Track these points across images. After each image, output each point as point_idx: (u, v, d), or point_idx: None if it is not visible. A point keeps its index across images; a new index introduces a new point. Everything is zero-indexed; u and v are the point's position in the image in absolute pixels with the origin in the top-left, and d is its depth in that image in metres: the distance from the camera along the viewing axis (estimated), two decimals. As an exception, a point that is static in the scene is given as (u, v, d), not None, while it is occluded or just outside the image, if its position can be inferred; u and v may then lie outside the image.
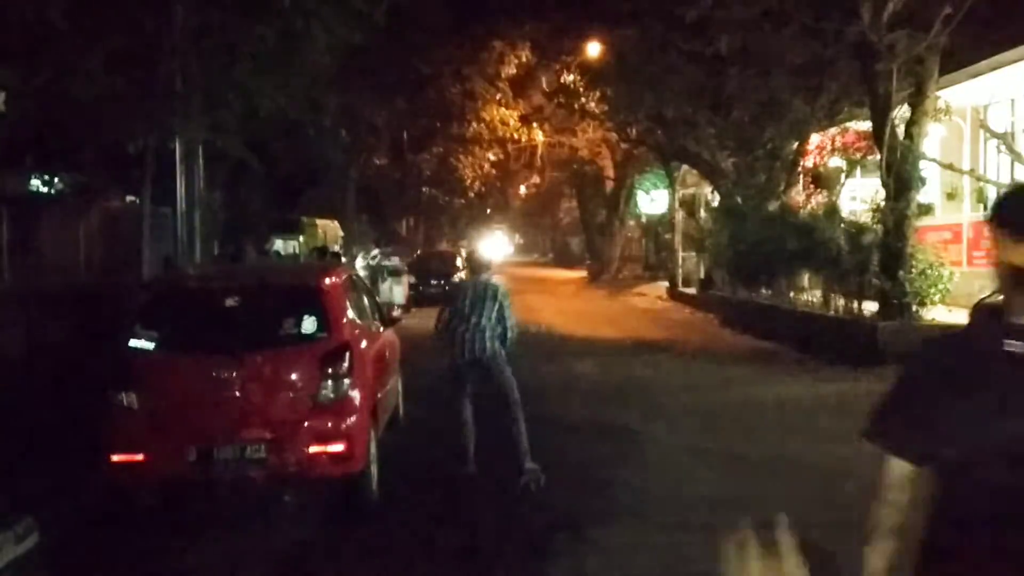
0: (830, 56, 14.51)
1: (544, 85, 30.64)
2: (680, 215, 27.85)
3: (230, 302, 6.77)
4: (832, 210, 15.71)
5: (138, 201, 13.41)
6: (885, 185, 13.29)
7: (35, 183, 13.70)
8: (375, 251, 24.50)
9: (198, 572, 5.69)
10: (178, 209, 13.05)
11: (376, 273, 21.42)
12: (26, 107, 9.90)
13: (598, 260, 36.77)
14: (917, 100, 13.05)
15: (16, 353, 9.73)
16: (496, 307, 7.38)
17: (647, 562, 5.49)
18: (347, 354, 6.50)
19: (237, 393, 6.27)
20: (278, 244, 19.75)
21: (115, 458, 6.27)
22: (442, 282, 26.33)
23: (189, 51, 10.98)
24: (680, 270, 26.71)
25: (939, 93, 13.66)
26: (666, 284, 27.13)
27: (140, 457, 6.23)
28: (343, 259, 17.71)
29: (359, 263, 22.33)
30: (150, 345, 6.50)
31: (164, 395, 6.34)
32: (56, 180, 13.83)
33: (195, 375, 6.40)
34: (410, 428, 9.23)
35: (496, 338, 7.40)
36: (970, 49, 13.44)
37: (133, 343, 6.51)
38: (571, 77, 27.33)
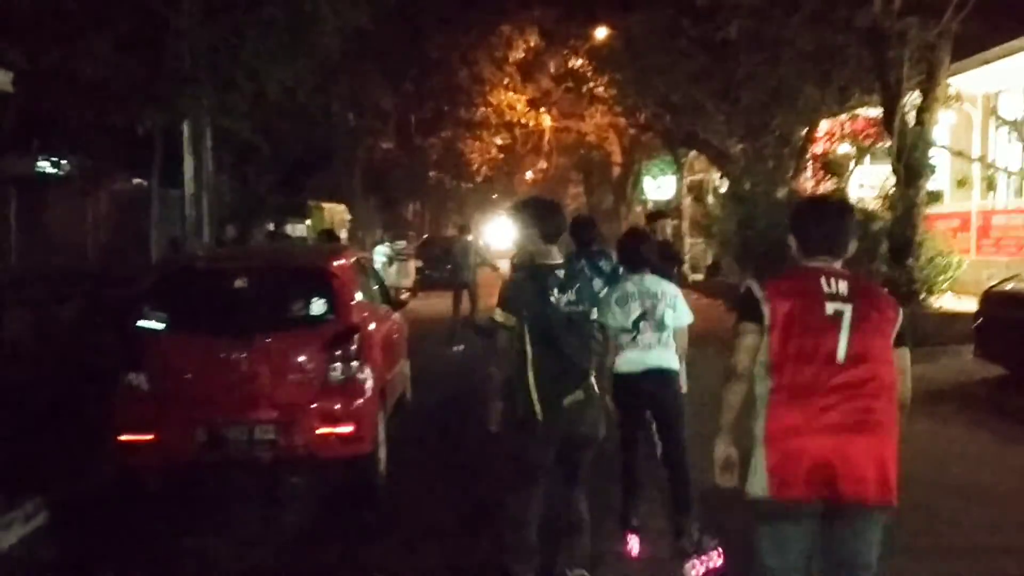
0: (841, 42, 14.43)
1: (552, 70, 30.49)
2: (687, 201, 27.79)
3: (239, 284, 6.76)
4: (841, 197, 15.65)
5: (146, 183, 13.40)
6: (895, 172, 13.25)
7: (43, 165, 13.68)
8: (399, 242, 24.67)
9: (205, 552, 5.71)
10: (186, 191, 13.05)
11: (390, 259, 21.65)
12: (34, 88, 9.89)
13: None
14: (928, 87, 12.99)
15: (25, 334, 9.75)
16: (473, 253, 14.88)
17: (650, 542, 5.50)
18: (356, 336, 6.51)
19: (246, 374, 6.28)
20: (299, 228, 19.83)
21: (124, 438, 6.28)
22: (448, 266, 26.32)
23: (197, 33, 10.95)
24: (687, 256, 26.69)
25: (950, 80, 13.59)
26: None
27: (149, 437, 6.24)
28: (343, 242, 17.72)
29: (380, 250, 22.45)
30: (159, 326, 6.50)
31: (173, 376, 6.35)
32: (64, 162, 13.80)
33: (204, 356, 6.40)
34: (418, 411, 9.25)
35: (472, 270, 14.88)
36: (982, 36, 13.37)
37: (142, 324, 6.52)
38: (579, 62, 27.21)
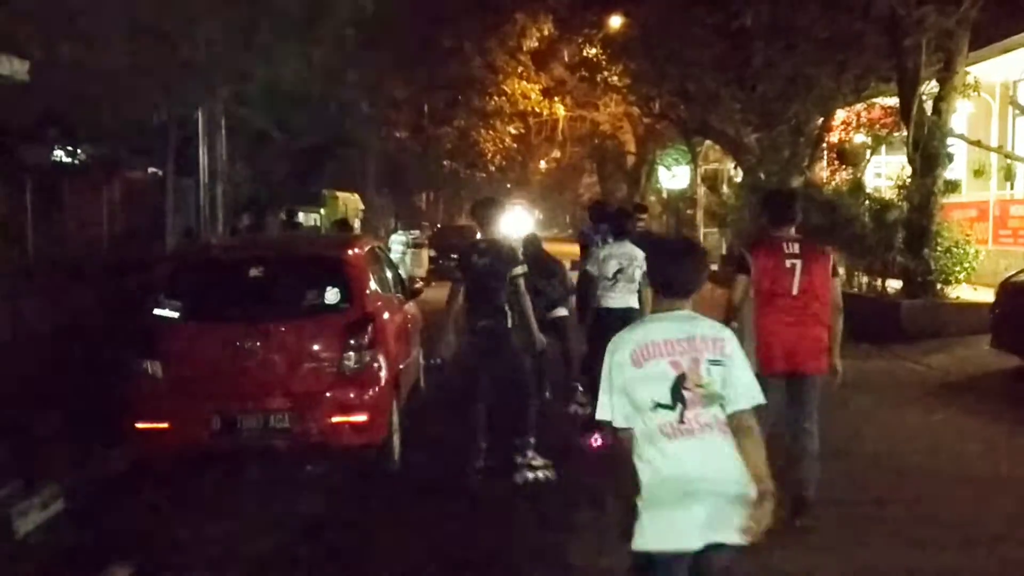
0: (857, 30, 14.31)
1: (566, 58, 30.39)
2: (702, 191, 27.69)
3: (254, 272, 6.78)
4: (857, 186, 15.55)
5: (161, 173, 13.42)
6: (911, 162, 13.15)
7: (58, 154, 13.71)
8: (413, 232, 24.79)
9: (220, 540, 5.74)
10: (200, 181, 13.06)
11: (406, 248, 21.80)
12: (50, 78, 9.90)
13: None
14: (946, 75, 12.88)
15: (41, 323, 9.80)
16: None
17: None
18: (370, 325, 6.53)
19: (261, 363, 6.31)
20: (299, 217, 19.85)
21: (139, 426, 6.33)
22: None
23: (212, 21, 10.93)
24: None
25: (968, 68, 13.48)
26: (687, 260, 26.97)
27: (164, 425, 6.29)
28: (355, 231, 17.79)
29: (396, 238, 22.55)
30: (175, 314, 6.53)
31: (188, 364, 6.38)
32: (79, 151, 13.83)
33: (219, 344, 6.42)
34: (431, 399, 9.26)
35: None
36: (1000, 24, 13.26)
37: (158, 312, 6.55)
38: (593, 50, 27.08)
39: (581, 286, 8.83)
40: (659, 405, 3.07)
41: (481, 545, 5.54)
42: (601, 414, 3.22)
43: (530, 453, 6.65)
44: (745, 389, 3.18)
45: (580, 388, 8.59)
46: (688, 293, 3.31)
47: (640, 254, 7.71)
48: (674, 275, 3.32)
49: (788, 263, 5.34)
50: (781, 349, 5.34)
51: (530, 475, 6.59)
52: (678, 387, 3.07)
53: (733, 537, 3.03)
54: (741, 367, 3.20)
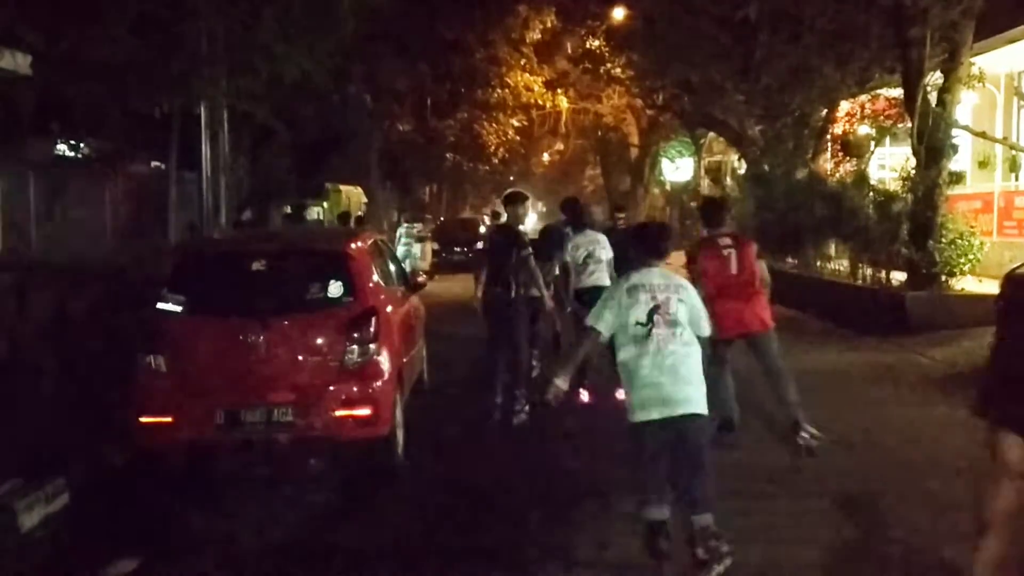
0: (862, 21, 14.25)
1: (569, 50, 30.32)
2: (705, 183, 27.65)
3: (258, 266, 6.78)
4: (861, 178, 15.50)
5: (164, 166, 13.41)
6: (916, 153, 13.09)
7: (61, 148, 13.70)
8: (418, 225, 24.91)
9: (225, 534, 5.74)
10: (203, 174, 13.04)
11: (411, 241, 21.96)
12: (52, 71, 9.89)
13: (622, 228, 36.46)
14: (950, 66, 12.81)
15: (45, 317, 9.80)
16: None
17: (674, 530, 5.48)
18: (373, 319, 6.52)
19: (264, 357, 6.30)
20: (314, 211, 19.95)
21: (143, 420, 6.33)
22: (465, 249, 26.31)
23: (214, 15, 10.91)
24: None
25: (973, 59, 13.40)
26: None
27: (168, 419, 6.29)
28: (363, 223, 17.80)
29: (402, 231, 22.55)
30: (178, 308, 6.52)
31: (192, 358, 6.38)
32: (82, 145, 13.81)
33: (223, 338, 6.42)
34: (435, 393, 9.26)
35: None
36: (1005, 15, 13.19)
37: (162, 306, 6.55)
38: (596, 42, 27.02)
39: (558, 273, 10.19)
40: (638, 322, 4.54)
41: (485, 539, 5.53)
42: (591, 320, 4.68)
43: (521, 402, 8.12)
44: (706, 320, 4.83)
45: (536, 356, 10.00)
46: (662, 256, 4.87)
47: (603, 237, 9.26)
48: (652, 244, 4.88)
49: (725, 252, 7.01)
50: (732, 318, 6.84)
51: (524, 416, 8.10)
52: (652, 312, 4.54)
53: (693, 411, 4.48)
54: (699, 307, 4.77)
